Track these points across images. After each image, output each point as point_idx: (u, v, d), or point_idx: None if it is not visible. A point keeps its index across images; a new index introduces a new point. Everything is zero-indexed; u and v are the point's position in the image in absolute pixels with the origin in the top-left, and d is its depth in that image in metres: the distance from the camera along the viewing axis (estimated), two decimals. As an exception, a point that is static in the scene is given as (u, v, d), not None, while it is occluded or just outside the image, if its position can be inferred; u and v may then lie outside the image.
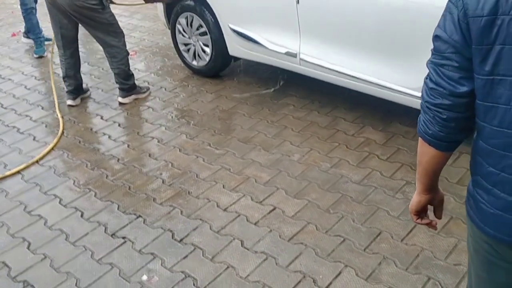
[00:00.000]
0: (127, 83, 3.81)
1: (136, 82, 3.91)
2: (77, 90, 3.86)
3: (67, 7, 3.45)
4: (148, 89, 3.99)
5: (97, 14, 3.52)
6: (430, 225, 1.43)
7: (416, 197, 1.38)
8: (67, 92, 3.83)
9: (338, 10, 3.03)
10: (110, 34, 3.65)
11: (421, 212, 1.41)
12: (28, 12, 4.71)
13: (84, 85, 3.96)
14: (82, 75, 3.91)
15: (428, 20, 2.64)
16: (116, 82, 3.85)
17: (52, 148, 3.27)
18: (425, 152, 1.28)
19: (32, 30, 4.78)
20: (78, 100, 3.85)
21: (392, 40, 2.87)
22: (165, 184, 2.87)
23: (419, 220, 1.42)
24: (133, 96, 3.85)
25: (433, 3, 2.61)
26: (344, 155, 3.03)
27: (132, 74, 3.86)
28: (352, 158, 2.99)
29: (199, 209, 2.65)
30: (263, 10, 3.49)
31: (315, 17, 3.19)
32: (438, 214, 1.43)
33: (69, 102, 3.81)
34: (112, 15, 3.65)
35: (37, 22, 4.76)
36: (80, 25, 3.68)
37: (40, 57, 4.76)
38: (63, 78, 3.82)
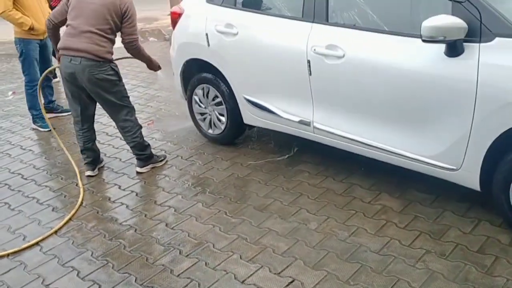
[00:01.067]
0: (144, 154, 3.91)
1: (152, 151, 4.00)
2: (95, 161, 3.95)
3: (86, 82, 3.56)
4: (164, 157, 4.08)
5: (114, 86, 3.65)
6: None
7: None
8: (85, 164, 3.92)
9: (350, 80, 3.12)
10: (124, 109, 3.76)
11: None
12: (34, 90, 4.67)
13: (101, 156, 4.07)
14: (100, 145, 4.01)
15: (437, 90, 2.74)
16: (133, 154, 3.95)
17: (70, 219, 3.30)
18: None
19: (34, 107, 4.85)
20: (96, 171, 3.94)
21: (403, 109, 2.93)
22: (182, 255, 2.86)
23: None
24: (150, 166, 3.95)
25: (439, 74, 2.71)
26: (361, 223, 3.02)
27: (148, 145, 3.95)
28: (369, 226, 2.98)
29: (216, 281, 2.63)
30: (276, 81, 3.61)
31: (327, 87, 3.29)
32: None
33: (88, 173, 3.89)
34: (126, 89, 3.79)
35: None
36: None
37: (48, 130, 4.77)
38: (81, 151, 3.91)
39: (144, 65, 4.07)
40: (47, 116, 4.58)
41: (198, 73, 4.17)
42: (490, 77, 2.54)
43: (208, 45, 3.93)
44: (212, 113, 4.20)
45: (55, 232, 3.18)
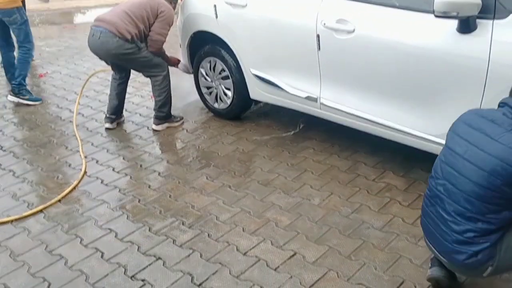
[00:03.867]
0: (163, 111, 4.08)
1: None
2: (117, 114, 4.21)
3: (105, 55, 3.95)
4: (181, 118, 4.23)
5: (134, 56, 3.87)
6: None
7: None
8: (106, 116, 4.20)
9: (360, 56, 3.07)
10: (152, 68, 3.98)
11: None
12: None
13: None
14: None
15: (447, 68, 2.69)
16: (154, 109, 4.11)
17: (74, 188, 3.31)
18: None
19: (25, 78, 4.80)
20: (114, 124, 4.19)
21: (412, 86, 2.89)
22: (185, 226, 2.87)
23: None
24: (166, 124, 4.12)
25: (450, 51, 2.66)
26: (365, 200, 3.01)
27: (170, 103, 4.12)
28: (373, 203, 2.97)
29: (218, 252, 2.64)
30: (284, 55, 3.56)
31: (335, 63, 3.24)
32: None
33: (107, 125, 4.16)
34: (148, 52, 3.94)
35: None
36: None
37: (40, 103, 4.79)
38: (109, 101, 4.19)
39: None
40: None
41: (205, 46, 4.12)
42: (502, 55, 2.49)
43: (216, 16, 3.88)
44: (219, 87, 4.17)
45: (59, 200, 3.19)
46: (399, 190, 3.08)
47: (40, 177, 3.49)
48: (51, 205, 3.13)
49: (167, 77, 4.04)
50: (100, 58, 4.07)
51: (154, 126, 4.09)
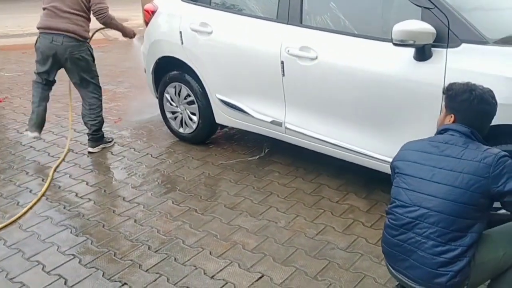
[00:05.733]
0: (99, 134, 4.19)
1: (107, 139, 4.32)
2: (40, 124, 4.13)
3: (66, 61, 3.93)
4: (112, 139, 4.36)
5: (89, 65, 4.03)
6: None
7: None
8: (31, 124, 4.13)
9: (322, 82, 3.18)
10: (93, 86, 4.10)
11: None
12: None
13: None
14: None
15: (405, 94, 2.83)
16: (89, 133, 4.16)
17: (30, 208, 3.23)
18: None
19: None
20: (38, 134, 4.14)
21: (373, 111, 3.01)
22: (151, 251, 2.84)
23: None
24: (101, 146, 4.21)
25: (407, 77, 2.80)
26: (329, 221, 3.07)
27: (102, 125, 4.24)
28: (337, 224, 3.03)
29: (185, 276, 2.62)
30: (250, 81, 3.64)
31: (299, 89, 3.34)
32: None
33: (29, 133, 4.12)
34: (97, 69, 4.13)
35: None
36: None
37: None
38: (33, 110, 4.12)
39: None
40: None
41: (170, 71, 4.15)
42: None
43: (182, 43, 3.93)
44: (184, 112, 4.19)
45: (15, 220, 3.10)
46: (361, 212, 3.16)
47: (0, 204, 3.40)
48: (7, 225, 3.04)
49: (101, 101, 4.19)
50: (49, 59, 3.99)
51: (90, 149, 4.17)
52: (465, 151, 2.00)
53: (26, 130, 4.21)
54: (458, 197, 1.95)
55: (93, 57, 4.06)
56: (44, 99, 4.13)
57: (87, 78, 4.04)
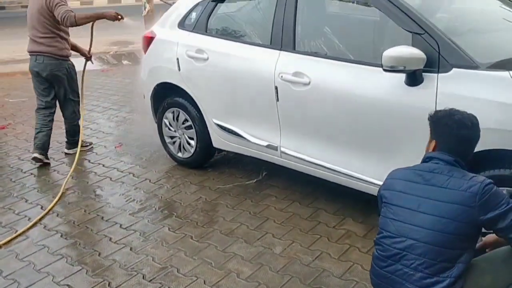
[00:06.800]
0: (75, 139, 4.63)
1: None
2: (45, 146, 4.44)
3: (48, 76, 4.34)
4: (91, 143, 4.83)
5: (68, 81, 4.44)
6: None
7: None
8: (35, 147, 4.45)
9: (315, 106, 3.19)
10: (72, 102, 4.54)
11: None
12: None
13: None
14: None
15: (398, 118, 2.82)
16: (66, 138, 4.64)
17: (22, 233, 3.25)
18: None
19: None
20: (43, 157, 4.39)
21: (366, 135, 3.01)
22: (145, 280, 2.83)
23: None
24: (76, 148, 4.58)
25: (399, 102, 2.80)
26: (325, 247, 3.05)
27: (79, 131, 4.64)
28: (333, 251, 3.01)
29: (179, 306, 2.61)
30: (245, 106, 3.66)
31: (294, 114, 3.35)
32: None
33: (36, 155, 4.37)
34: (77, 85, 4.59)
35: None
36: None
37: None
38: (36, 134, 4.46)
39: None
40: None
41: (168, 97, 4.19)
42: (448, 106, 2.63)
43: (179, 69, 3.97)
44: (182, 137, 4.22)
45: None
46: (358, 237, 3.13)
47: (-3, 232, 3.41)
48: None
49: (79, 112, 4.62)
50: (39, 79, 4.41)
51: (66, 151, 4.65)
52: (451, 180, 1.99)
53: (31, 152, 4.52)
54: (445, 227, 1.93)
55: (73, 73, 4.45)
56: (45, 125, 4.41)
57: (68, 94, 4.45)
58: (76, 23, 4.15)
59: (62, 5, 4.16)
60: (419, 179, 2.07)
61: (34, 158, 4.35)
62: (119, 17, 4.34)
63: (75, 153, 4.43)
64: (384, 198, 2.16)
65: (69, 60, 4.42)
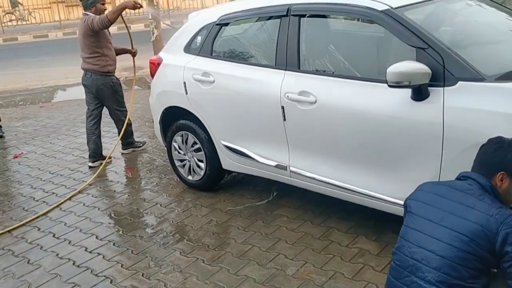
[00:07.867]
0: (127, 140, 5.29)
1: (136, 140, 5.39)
2: (96, 153, 5.06)
3: (93, 90, 4.98)
4: (144, 143, 5.46)
5: (113, 94, 5.05)
6: None
7: None
8: (90, 155, 5.12)
9: (322, 125, 3.18)
10: (120, 112, 5.15)
11: None
12: None
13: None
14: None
15: (406, 134, 2.80)
16: (121, 140, 5.23)
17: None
18: None
19: None
20: (97, 163, 5.02)
21: (375, 152, 2.98)
22: (157, 306, 2.81)
23: None
24: (131, 149, 5.32)
25: (406, 117, 2.77)
26: (339, 267, 3.00)
27: (132, 133, 5.34)
28: (347, 270, 2.96)
29: (191, 332, 2.57)
30: (252, 127, 3.66)
31: (301, 132, 3.34)
32: None
33: (90, 164, 5.04)
34: (123, 97, 5.18)
35: None
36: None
37: None
38: (87, 143, 5.12)
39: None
40: None
41: (177, 121, 4.22)
42: (455, 120, 2.61)
43: (186, 93, 4.00)
44: (191, 160, 4.22)
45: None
46: (372, 255, 3.08)
47: (7, 262, 3.42)
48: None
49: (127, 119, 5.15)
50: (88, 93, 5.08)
51: (122, 151, 5.30)
52: (479, 203, 1.99)
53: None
54: (463, 244, 1.91)
55: (117, 88, 5.02)
56: (92, 133, 5.03)
57: (113, 105, 5.03)
58: (110, 21, 4.61)
59: (94, 17, 4.69)
60: (448, 195, 2.07)
61: (89, 167, 5.01)
62: (138, 5, 4.70)
63: (129, 153, 5.27)
64: (409, 207, 2.18)
65: (113, 75, 5.00)
